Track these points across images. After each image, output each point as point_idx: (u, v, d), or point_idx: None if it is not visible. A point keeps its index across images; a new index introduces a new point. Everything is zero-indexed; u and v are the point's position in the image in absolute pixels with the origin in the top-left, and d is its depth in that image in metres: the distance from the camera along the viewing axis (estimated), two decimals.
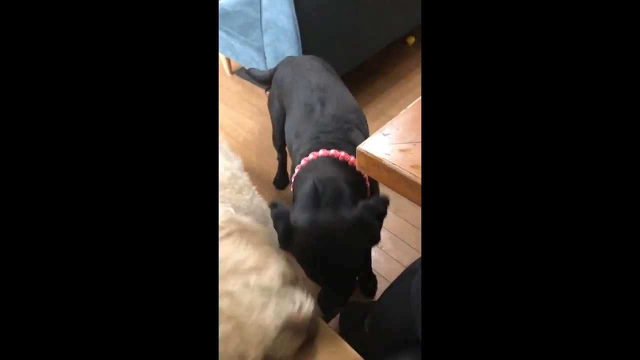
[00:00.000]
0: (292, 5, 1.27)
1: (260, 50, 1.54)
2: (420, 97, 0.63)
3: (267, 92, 1.16)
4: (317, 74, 0.95)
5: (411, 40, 1.91)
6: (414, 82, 1.74)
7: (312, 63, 1.01)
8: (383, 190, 0.69)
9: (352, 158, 0.74)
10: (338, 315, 0.92)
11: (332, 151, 0.75)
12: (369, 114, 1.62)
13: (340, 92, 0.92)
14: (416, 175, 0.48)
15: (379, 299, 0.61)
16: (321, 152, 0.75)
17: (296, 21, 1.30)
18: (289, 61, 1.07)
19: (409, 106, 0.61)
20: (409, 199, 0.50)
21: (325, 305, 1.01)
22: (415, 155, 0.51)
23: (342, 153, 0.75)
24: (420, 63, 1.83)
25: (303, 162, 0.76)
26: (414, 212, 1.22)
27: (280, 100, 1.02)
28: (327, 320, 0.84)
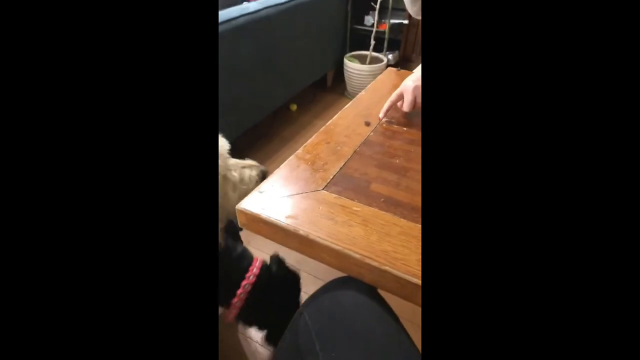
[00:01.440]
0: None
1: None
2: (292, 155, 0.72)
3: None
4: None
5: (293, 107, 2.11)
6: (300, 144, 1.89)
7: None
8: (263, 242, 0.73)
9: None
10: None
11: None
12: None
13: None
14: (289, 224, 0.53)
15: (277, 346, 0.62)
16: None
17: None
18: None
19: (282, 164, 0.68)
20: (288, 247, 0.55)
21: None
22: (289, 207, 0.57)
23: None
24: (303, 127, 2.01)
25: None
26: (313, 265, 1.27)
27: None
28: None
